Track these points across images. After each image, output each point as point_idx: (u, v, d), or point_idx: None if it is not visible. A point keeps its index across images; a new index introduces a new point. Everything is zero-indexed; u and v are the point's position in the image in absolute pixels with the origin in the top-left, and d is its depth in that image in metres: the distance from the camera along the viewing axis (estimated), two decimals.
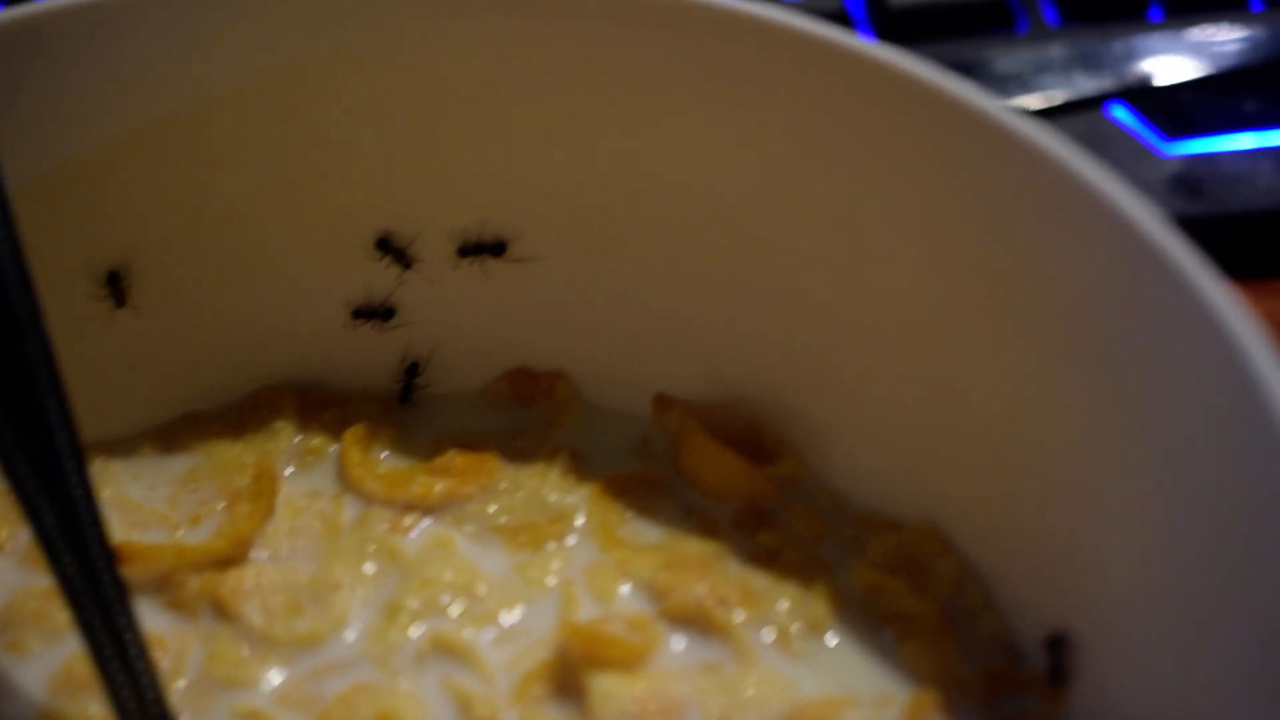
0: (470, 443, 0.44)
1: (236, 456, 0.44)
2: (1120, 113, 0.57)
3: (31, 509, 0.34)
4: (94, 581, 0.34)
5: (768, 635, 0.39)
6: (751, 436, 0.43)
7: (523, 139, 0.42)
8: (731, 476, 0.42)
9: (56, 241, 0.41)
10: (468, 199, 0.43)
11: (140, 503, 0.43)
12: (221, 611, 0.40)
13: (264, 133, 0.42)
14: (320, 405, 0.45)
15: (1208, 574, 0.32)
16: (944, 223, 0.38)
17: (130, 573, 0.39)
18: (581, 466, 0.43)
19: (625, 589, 0.41)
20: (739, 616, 0.40)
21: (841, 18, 0.60)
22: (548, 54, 0.41)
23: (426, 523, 0.42)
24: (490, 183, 0.43)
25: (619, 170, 0.42)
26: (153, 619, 0.40)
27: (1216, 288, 0.32)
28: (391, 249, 0.44)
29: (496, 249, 0.43)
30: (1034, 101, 0.57)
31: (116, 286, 0.43)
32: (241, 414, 0.45)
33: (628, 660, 0.38)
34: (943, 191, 0.37)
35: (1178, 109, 0.57)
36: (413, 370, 0.45)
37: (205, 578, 0.40)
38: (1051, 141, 0.35)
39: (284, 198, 0.43)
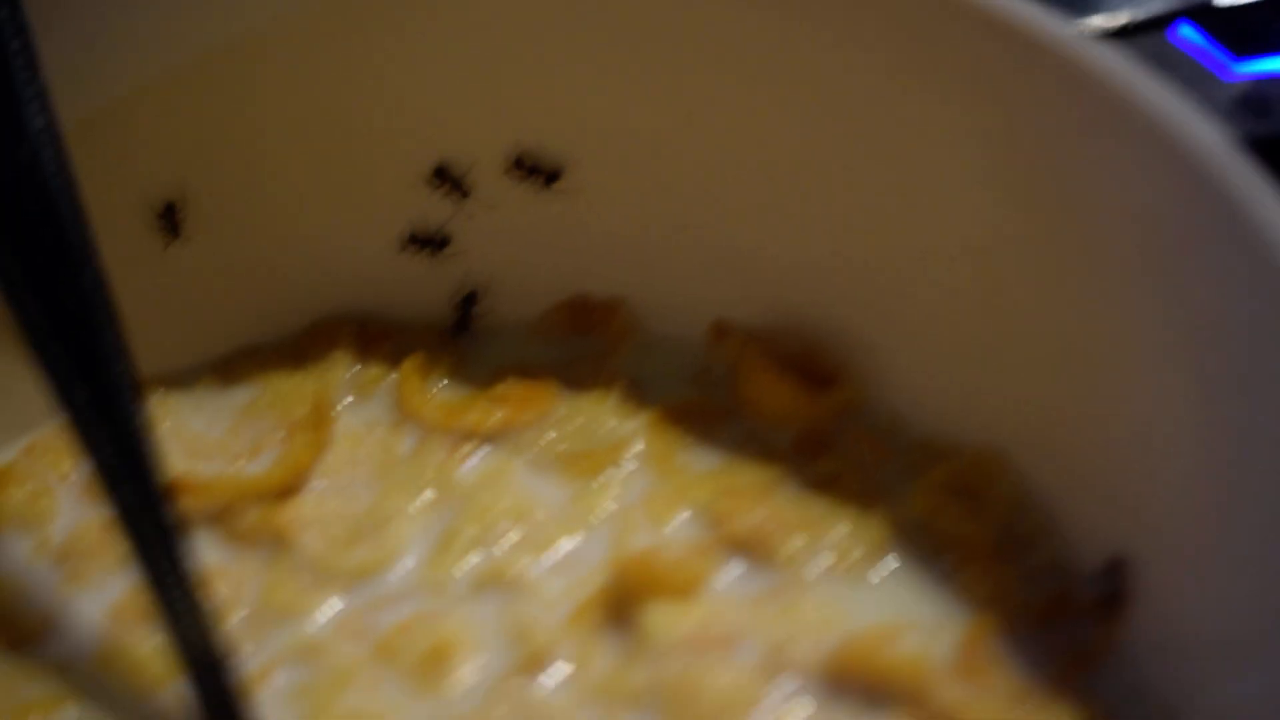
0: (528, 371, 0.44)
1: (295, 387, 0.44)
2: (1186, 32, 0.56)
3: (90, 442, 0.34)
4: (152, 513, 0.34)
5: (825, 560, 0.39)
6: (810, 361, 0.43)
7: (575, 67, 0.42)
8: (790, 402, 0.42)
9: (112, 175, 0.41)
10: (523, 128, 0.43)
11: (201, 434, 0.43)
12: (280, 541, 0.40)
13: (316, 64, 0.42)
14: (378, 336, 0.45)
15: (1266, 495, 0.32)
16: (999, 144, 0.37)
17: (189, 505, 0.40)
18: (639, 394, 0.43)
19: (682, 516, 0.41)
20: (797, 542, 0.39)
21: None
22: None
23: (484, 451, 0.42)
24: (544, 111, 0.43)
25: (671, 97, 0.42)
26: (212, 551, 0.40)
27: (1274, 212, 0.31)
28: (448, 178, 0.44)
29: (551, 176, 0.43)
30: (1099, 22, 0.56)
31: (172, 219, 0.43)
32: (300, 345, 0.45)
33: (682, 589, 0.38)
34: (996, 112, 0.37)
35: (1243, 28, 0.56)
36: (469, 300, 0.45)
37: (264, 508, 0.41)
38: (1107, 59, 0.34)
39: (339, 129, 0.43)
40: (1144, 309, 0.36)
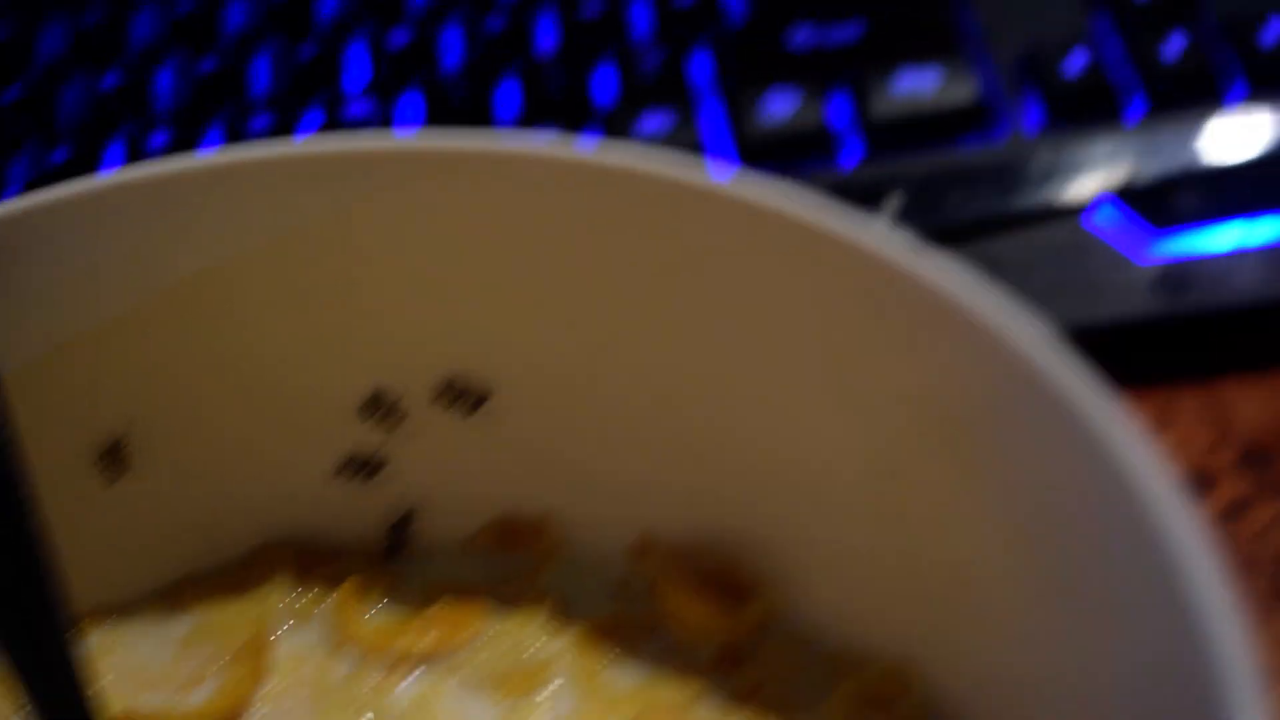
0: (461, 590, 0.46)
1: (235, 615, 0.46)
2: (1104, 214, 0.58)
3: (32, 690, 0.36)
4: None
5: None
6: (728, 575, 0.45)
7: (499, 298, 0.44)
8: (707, 619, 0.44)
9: (56, 417, 0.43)
10: (450, 356, 0.45)
11: (146, 664, 0.45)
12: None
13: (249, 305, 0.44)
14: (317, 560, 0.47)
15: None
16: (856, 364, 0.39)
17: None
18: (564, 612, 0.45)
19: None
20: None
21: (824, 135, 0.61)
22: (508, 222, 0.42)
23: (417, 674, 0.44)
24: (470, 340, 0.44)
25: (591, 323, 0.43)
26: None
27: (1101, 409, 0.33)
28: (381, 406, 0.45)
29: (478, 401, 0.45)
30: (1017, 206, 0.58)
31: (116, 457, 0.45)
32: (241, 572, 0.47)
33: None
34: (852, 336, 0.39)
35: (1162, 208, 0.58)
36: (403, 522, 0.47)
37: None
38: (923, 265, 0.36)
39: (274, 363, 0.45)
40: (1003, 525, 0.37)
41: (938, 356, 0.38)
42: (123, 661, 0.45)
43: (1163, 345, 0.57)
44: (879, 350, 0.39)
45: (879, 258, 0.37)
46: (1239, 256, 0.57)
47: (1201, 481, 0.54)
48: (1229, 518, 0.53)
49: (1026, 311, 0.35)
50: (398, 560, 0.47)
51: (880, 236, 0.37)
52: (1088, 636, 0.36)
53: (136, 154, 0.63)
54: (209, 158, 0.41)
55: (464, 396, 0.45)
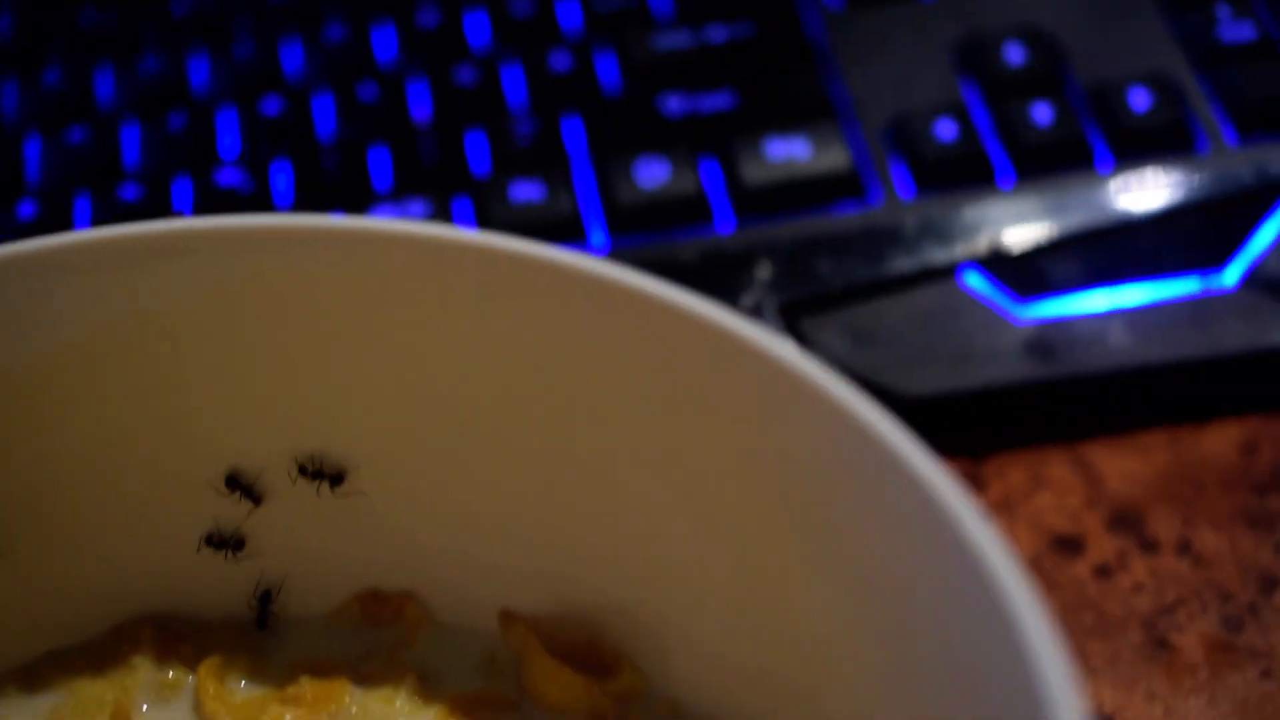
0: (323, 667, 0.45)
1: (98, 694, 0.45)
2: (974, 280, 0.58)
3: None
4: None
5: None
6: (592, 650, 0.45)
7: (354, 373, 0.44)
8: (572, 693, 0.44)
9: None
10: (307, 434, 0.45)
11: None
12: None
13: (97, 384, 0.43)
14: (179, 637, 0.46)
15: None
16: (702, 433, 0.40)
17: None
18: (429, 687, 0.45)
19: None
20: None
21: (695, 202, 0.61)
22: (369, 301, 0.42)
23: None
24: (328, 418, 0.44)
25: (449, 399, 0.43)
26: None
27: (934, 471, 0.34)
28: (240, 485, 0.45)
29: (335, 479, 0.45)
30: (888, 273, 0.58)
31: None
32: (102, 649, 0.46)
33: None
34: (696, 407, 0.40)
35: (1030, 273, 0.59)
36: (266, 598, 0.46)
37: None
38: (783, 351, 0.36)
39: (127, 443, 0.44)
40: (866, 616, 0.38)
41: (782, 425, 0.38)
42: None
43: (1033, 408, 0.57)
44: (725, 420, 0.39)
45: (728, 333, 0.38)
46: (1107, 320, 0.57)
47: (1072, 542, 0.54)
48: (1100, 577, 0.53)
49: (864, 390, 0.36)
50: (262, 635, 0.46)
51: (730, 314, 0.38)
52: (932, 694, 0.36)
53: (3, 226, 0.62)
54: (53, 240, 0.41)
55: (323, 473, 0.45)
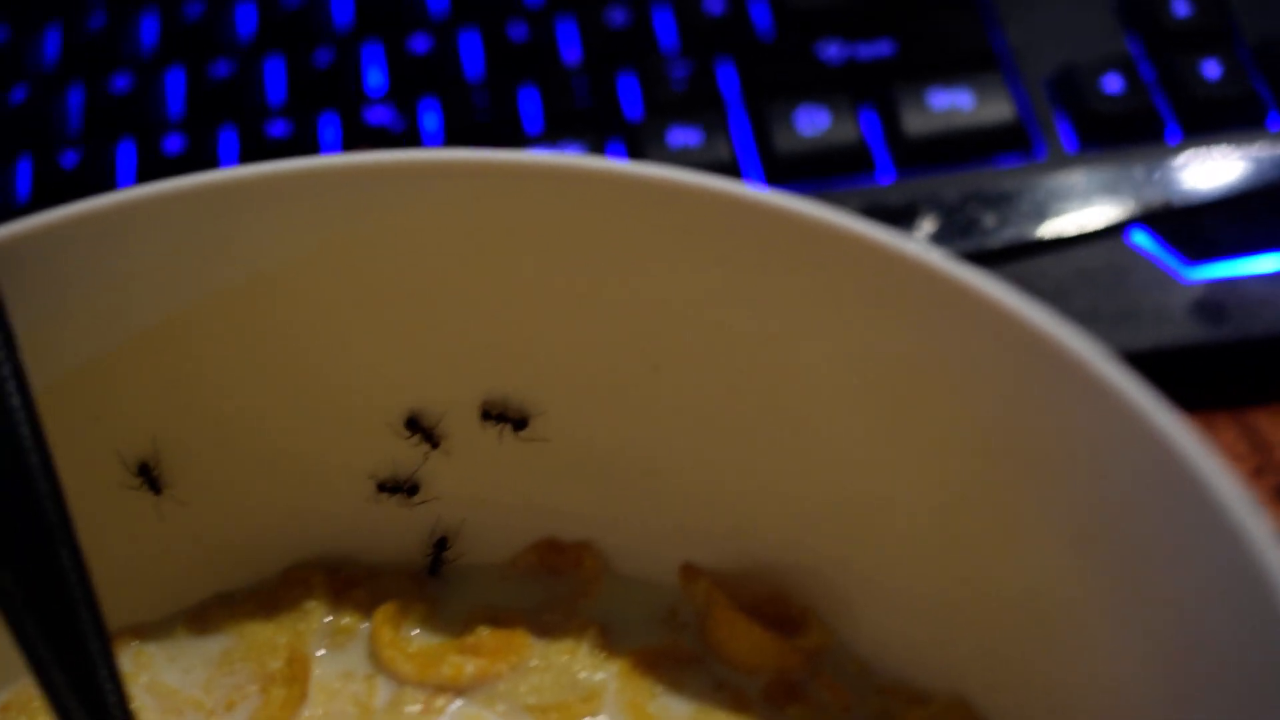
0: (500, 617, 0.44)
1: (269, 638, 0.44)
2: (1141, 238, 0.57)
3: (64, 712, 0.35)
4: None
5: None
6: (778, 606, 0.44)
7: (540, 317, 0.43)
8: (759, 649, 0.43)
9: (86, 435, 0.42)
10: (492, 377, 0.44)
11: (176, 688, 0.43)
12: None
13: (286, 320, 0.42)
14: (351, 582, 0.45)
15: None
16: (920, 388, 0.39)
17: None
18: (610, 640, 0.44)
19: None
20: None
21: (856, 152, 0.60)
22: (555, 237, 0.41)
23: (459, 704, 0.43)
24: (512, 359, 0.43)
25: (637, 347, 0.42)
26: None
27: (1180, 429, 0.33)
28: (419, 427, 0.44)
29: (519, 423, 0.44)
30: (1053, 229, 0.57)
31: (149, 476, 0.43)
32: (273, 593, 0.45)
33: None
34: (918, 359, 0.38)
35: (1199, 232, 0.57)
36: (441, 545, 0.45)
37: None
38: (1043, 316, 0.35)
39: (309, 382, 0.44)
40: (1094, 566, 0.36)
41: (1012, 383, 0.37)
42: (153, 683, 0.43)
43: (1200, 371, 0.56)
44: (946, 380, 0.38)
45: (946, 279, 0.36)
46: (1278, 282, 0.56)
47: None
48: None
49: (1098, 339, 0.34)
50: (436, 582, 0.45)
51: (943, 257, 0.37)
52: (1167, 660, 0.34)
53: (149, 158, 0.61)
54: (244, 171, 0.40)
55: (506, 417, 0.44)
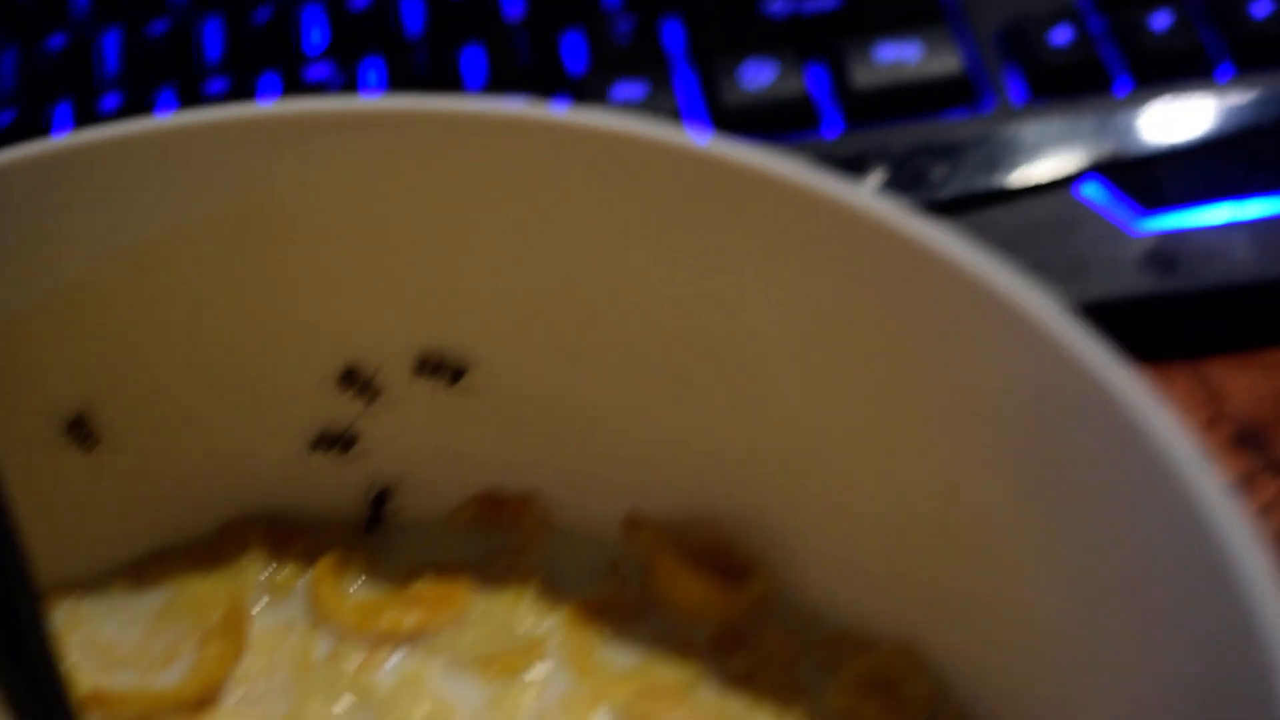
0: (442, 569, 0.44)
1: (208, 591, 0.44)
2: (1092, 190, 0.56)
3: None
4: None
5: None
6: (723, 555, 0.43)
7: (476, 267, 0.42)
8: (704, 598, 0.42)
9: (17, 388, 0.41)
10: (428, 329, 0.43)
11: (113, 643, 0.43)
12: None
13: (218, 272, 0.41)
14: (291, 536, 0.45)
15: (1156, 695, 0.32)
16: (864, 335, 0.38)
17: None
18: (554, 592, 0.43)
19: (602, 717, 0.41)
20: None
21: (803, 106, 0.59)
22: (487, 187, 0.40)
23: (400, 655, 0.42)
24: (450, 311, 0.43)
25: (576, 296, 0.42)
26: None
27: (1126, 378, 0.32)
28: (357, 380, 0.43)
29: (456, 374, 0.43)
30: (1003, 181, 0.57)
31: (83, 429, 0.42)
32: (212, 547, 0.45)
33: None
34: (861, 308, 0.37)
35: (1149, 184, 0.57)
36: (380, 498, 0.45)
37: None
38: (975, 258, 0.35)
39: (243, 334, 0.43)
40: (1039, 516, 0.36)
41: (956, 332, 0.36)
42: (90, 638, 0.43)
43: (1153, 323, 0.56)
44: (890, 329, 0.38)
45: (889, 227, 0.36)
46: (1230, 233, 0.55)
47: None
48: None
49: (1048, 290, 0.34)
50: (376, 536, 0.45)
51: (888, 205, 0.36)
52: (1125, 625, 0.34)
53: (86, 118, 0.60)
54: (167, 120, 0.39)
55: (443, 369, 0.43)
